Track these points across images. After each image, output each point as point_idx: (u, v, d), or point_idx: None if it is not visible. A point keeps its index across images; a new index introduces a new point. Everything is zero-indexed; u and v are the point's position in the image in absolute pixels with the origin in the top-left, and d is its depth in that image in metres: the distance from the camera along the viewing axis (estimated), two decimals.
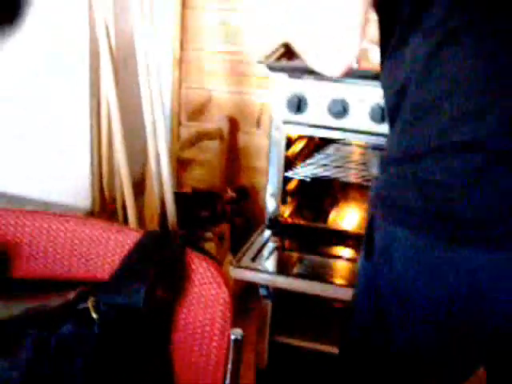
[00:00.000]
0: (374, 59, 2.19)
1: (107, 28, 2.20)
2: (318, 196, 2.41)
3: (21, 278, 1.35)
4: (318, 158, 2.34)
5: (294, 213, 2.35)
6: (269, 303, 2.14)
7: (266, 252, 2.14)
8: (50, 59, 2.33)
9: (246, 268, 2.04)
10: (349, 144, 2.41)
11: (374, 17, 1.10)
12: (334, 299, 2.09)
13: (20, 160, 2.49)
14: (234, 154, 2.71)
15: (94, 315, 1.13)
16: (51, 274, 1.37)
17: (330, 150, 2.38)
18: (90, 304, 1.13)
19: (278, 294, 2.13)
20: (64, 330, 1.12)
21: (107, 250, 1.40)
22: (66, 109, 2.38)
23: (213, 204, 2.53)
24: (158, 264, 1.26)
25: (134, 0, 2.15)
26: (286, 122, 2.12)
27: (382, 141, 2.08)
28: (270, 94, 2.15)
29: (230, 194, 2.63)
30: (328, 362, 1.57)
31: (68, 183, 2.46)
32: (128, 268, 1.27)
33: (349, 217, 2.38)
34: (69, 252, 1.40)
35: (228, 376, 1.18)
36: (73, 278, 1.35)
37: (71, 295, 1.16)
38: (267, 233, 2.23)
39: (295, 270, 2.10)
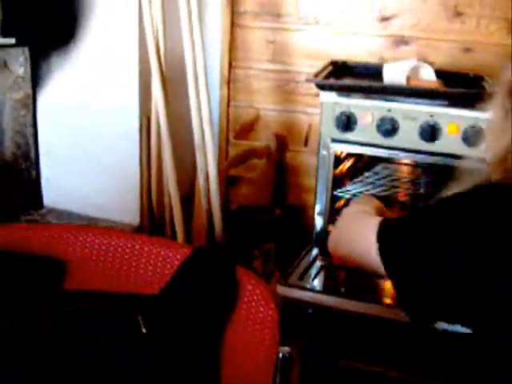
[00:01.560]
0: (423, 77, 2.18)
1: (157, 46, 2.23)
2: None
3: (73, 290, 1.37)
4: (366, 176, 2.33)
5: None
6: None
7: (313, 270, 2.12)
8: (102, 77, 2.37)
9: (294, 286, 2.03)
10: (397, 162, 2.39)
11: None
12: (382, 319, 2.07)
13: (69, 176, 2.53)
14: (281, 172, 2.71)
15: (144, 330, 1.14)
16: (101, 287, 1.39)
17: (379, 168, 2.37)
18: (140, 319, 1.14)
19: (324, 312, 2.12)
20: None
21: (156, 265, 1.41)
22: (116, 125, 2.41)
23: (260, 222, 2.53)
24: (206, 281, 1.26)
25: (184, 18, 2.18)
26: (334, 141, 2.11)
27: (431, 159, 2.06)
28: (319, 112, 2.14)
29: (278, 212, 2.63)
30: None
31: (117, 199, 2.49)
32: (177, 285, 1.28)
33: None
34: (118, 267, 1.42)
35: None
36: (122, 292, 1.36)
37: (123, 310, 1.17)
38: (315, 251, 2.22)
39: (342, 289, 2.09)
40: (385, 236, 1.10)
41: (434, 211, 1.10)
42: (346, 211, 1.40)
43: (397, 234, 1.11)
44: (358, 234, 1.19)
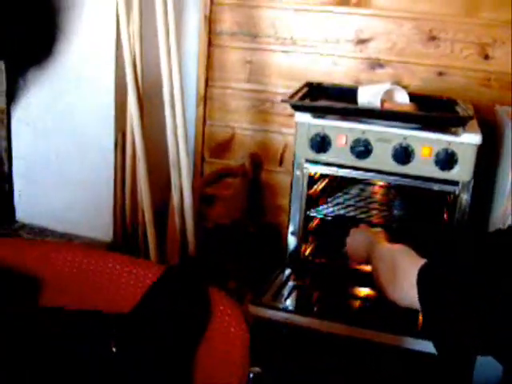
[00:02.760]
0: (397, 100, 2.21)
1: (134, 62, 2.23)
2: (339, 235, 2.40)
3: (46, 307, 1.36)
4: (340, 197, 2.35)
5: (315, 252, 2.34)
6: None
7: (286, 290, 2.13)
8: (78, 92, 2.37)
9: (266, 306, 2.04)
10: (371, 184, 2.41)
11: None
12: (354, 339, 2.07)
13: (43, 191, 2.52)
14: (256, 191, 2.72)
15: (114, 349, 1.14)
16: (74, 304, 1.38)
17: (353, 189, 2.39)
18: (110, 338, 1.13)
19: (297, 332, 2.12)
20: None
21: (128, 283, 1.41)
22: (90, 141, 2.40)
23: (234, 240, 2.53)
24: (178, 301, 1.26)
25: (161, 36, 2.19)
26: (308, 161, 2.12)
27: (404, 181, 2.08)
28: (293, 132, 2.16)
29: (252, 230, 2.63)
30: None
31: (90, 215, 2.48)
32: (148, 304, 1.27)
33: None
34: (91, 284, 1.41)
35: None
36: (94, 310, 1.36)
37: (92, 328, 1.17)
38: (288, 271, 2.22)
39: (315, 310, 2.09)
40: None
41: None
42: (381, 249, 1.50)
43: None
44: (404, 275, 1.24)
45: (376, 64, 2.52)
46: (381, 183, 2.39)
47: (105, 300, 1.40)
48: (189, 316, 1.24)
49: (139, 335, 1.17)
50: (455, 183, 2.02)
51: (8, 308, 1.29)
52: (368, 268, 2.29)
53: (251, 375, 1.19)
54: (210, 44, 2.66)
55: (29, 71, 2.39)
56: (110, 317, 1.26)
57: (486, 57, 2.40)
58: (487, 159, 2.17)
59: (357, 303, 2.14)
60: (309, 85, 2.38)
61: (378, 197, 2.41)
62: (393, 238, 1.65)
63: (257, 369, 1.21)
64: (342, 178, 2.31)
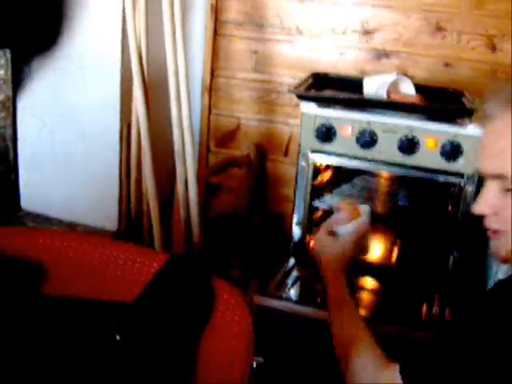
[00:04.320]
0: (403, 91, 2.20)
1: (140, 53, 2.23)
2: None
3: (50, 295, 1.36)
4: (345, 188, 2.34)
5: None
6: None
7: (290, 281, 2.13)
8: (83, 82, 2.37)
9: (270, 296, 2.04)
10: (376, 175, 2.41)
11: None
12: None
13: (48, 180, 2.52)
14: (261, 181, 2.72)
15: (118, 337, 1.14)
16: (78, 292, 1.38)
17: (358, 180, 2.38)
18: (114, 326, 1.13)
19: (300, 322, 2.12)
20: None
21: (132, 272, 1.41)
22: (95, 132, 2.41)
23: (239, 230, 2.54)
24: (182, 289, 1.26)
25: (167, 27, 2.19)
26: (313, 151, 2.12)
27: (409, 172, 2.07)
28: (299, 123, 2.15)
29: (256, 221, 2.63)
30: None
31: (95, 204, 2.48)
32: (152, 293, 1.27)
33: (374, 248, 2.36)
34: (95, 272, 1.42)
35: None
36: (99, 298, 1.36)
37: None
38: (292, 261, 2.22)
39: (318, 300, 2.09)
40: None
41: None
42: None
43: None
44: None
45: (382, 55, 2.51)
46: (386, 174, 2.39)
47: (109, 288, 1.40)
48: (193, 305, 1.24)
49: (143, 324, 1.17)
50: (460, 175, 2.01)
51: (12, 296, 1.30)
52: (372, 259, 2.29)
53: (254, 365, 1.19)
54: (215, 34, 2.65)
55: (34, 60, 2.39)
56: (114, 305, 1.26)
57: (493, 49, 2.39)
58: None
59: (361, 294, 2.14)
60: (315, 75, 2.37)
61: (382, 188, 2.40)
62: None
63: (260, 359, 1.21)
64: (347, 169, 2.31)
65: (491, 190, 1.13)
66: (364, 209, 1.72)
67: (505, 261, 1.20)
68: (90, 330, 1.23)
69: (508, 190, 1.09)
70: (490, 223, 1.16)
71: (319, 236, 1.61)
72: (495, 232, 1.16)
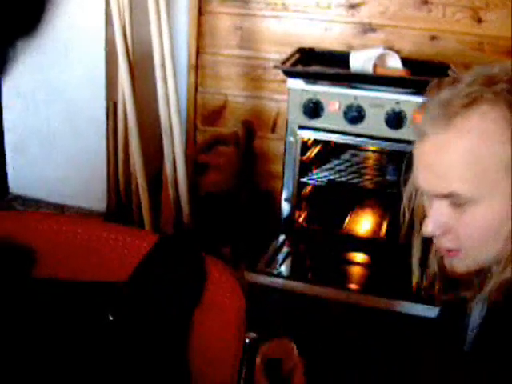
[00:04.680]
0: (390, 65, 2.20)
1: (124, 31, 2.21)
2: (332, 201, 2.41)
3: (40, 278, 1.36)
4: (333, 163, 2.35)
5: (309, 218, 2.35)
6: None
7: (280, 257, 2.14)
8: (68, 62, 2.35)
9: (261, 272, 2.05)
10: (364, 150, 2.41)
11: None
12: (348, 304, 2.09)
13: (35, 162, 2.51)
14: (249, 158, 2.72)
15: (111, 317, 1.14)
16: (69, 275, 1.38)
17: (346, 155, 2.39)
18: (107, 307, 1.14)
19: (291, 297, 2.14)
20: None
21: (123, 253, 1.41)
22: (81, 111, 2.39)
23: (228, 208, 2.54)
24: (172, 269, 1.27)
25: (151, 4, 2.17)
26: (301, 127, 2.12)
27: (397, 146, 2.08)
28: (286, 99, 2.15)
29: (245, 198, 2.63)
30: None
31: (84, 185, 2.47)
32: (143, 273, 1.28)
33: (363, 222, 2.38)
34: (86, 254, 1.41)
35: (243, 378, 1.18)
36: (90, 280, 1.36)
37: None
38: (282, 237, 2.23)
39: (309, 275, 2.11)
40: None
41: None
42: None
43: None
44: None
45: (368, 29, 2.50)
46: (374, 148, 2.39)
47: (100, 269, 1.40)
48: (184, 284, 1.24)
49: (135, 304, 1.17)
50: None
51: (1, 280, 1.29)
52: (361, 233, 2.30)
53: (247, 341, 1.20)
54: (200, 11, 2.63)
55: (18, 42, 2.37)
56: (105, 286, 1.26)
57: (479, 21, 2.39)
58: None
59: (351, 268, 2.16)
60: (301, 50, 2.37)
61: (370, 162, 2.41)
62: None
63: (253, 334, 1.22)
64: (335, 144, 2.32)
65: (440, 209, 1.02)
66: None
67: (459, 276, 1.10)
68: (83, 312, 1.23)
69: (459, 204, 0.98)
70: (442, 243, 1.05)
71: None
72: (450, 251, 1.06)
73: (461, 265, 1.07)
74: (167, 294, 1.20)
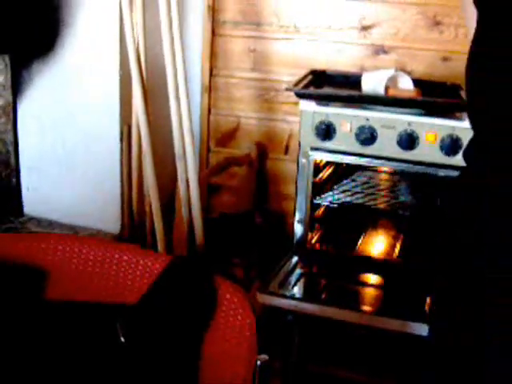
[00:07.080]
0: (401, 86, 2.20)
1: (138, 54, 2.23)
2: (345, 223, 2.41)
3: (52, 300, 1.37)
4: (345, 184, 2.35)
5: (322, 239, 2.35)
6: (296, 330, 2.14)
7: (293, 278, 2.14)
8: (82, 85, 2.37)
9: (273, 294, 2.04)
10: (377, 171, 2.41)
11: None
12: (361, 326, 2.08)
13: (50, 184, 2.53)
14: (262, 179, 2.73)
15: (122, 339, 1.14)
16: (81, 296, 1.39)
17: (358, 176, 2.39)
18: (118, 328, 1.14)
19: (303, 320, 2.13)
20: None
21: (135, 274, 1.42)
22: (96, 134, 2.41)
23: (241, 229, 2.54)
24: (184, 290, 1.27)
25: (165, 27, 2.19)
26: (313, 149, 2.13)
27: (409, 167, 2.08)
28: (298, 120, 2.16)
29: (259, 219, 2.64)
30: None
31: (97, 207, 2.49)
32: (155, 294, 1.28)
33: (377, 244, 2.37)
34: (98, 276, 1.42)
35: None
36: (102, 301, 1.37)
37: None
38: (294, 259, 2.23)
39: (322, 297, 2.10)
40: None
41: None
42: None
43: None
44: None
45: (380, 50, 2.51)
46: (386, 169, 2.39)
47: (113, 291, 1.41)
48: (196, 305, 1.24)
49: (147, 325, 1.18)
50: (460, 169, 2.01)
51: (16, 302, 1.30)
52: (374, 254, 2.30)
53: (259, 363, 1.20)
54: (213, 33, 2.66)
55: (33, 64, 2.40)
56: (117, 308, 1.27)
57: None
58: None
59: (364, 290, 2.15)
60: (313, 72, 2.38)
61: (383, 183, 2.41)
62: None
63: (264, 356, 1.21)
64: (348, 165, 2.32)
65: None
66: None
67: None
68: (95, 333, 1.23)
69: None
70: None
71: None
72: None
73: None
74: (179, 316, 1.20)
